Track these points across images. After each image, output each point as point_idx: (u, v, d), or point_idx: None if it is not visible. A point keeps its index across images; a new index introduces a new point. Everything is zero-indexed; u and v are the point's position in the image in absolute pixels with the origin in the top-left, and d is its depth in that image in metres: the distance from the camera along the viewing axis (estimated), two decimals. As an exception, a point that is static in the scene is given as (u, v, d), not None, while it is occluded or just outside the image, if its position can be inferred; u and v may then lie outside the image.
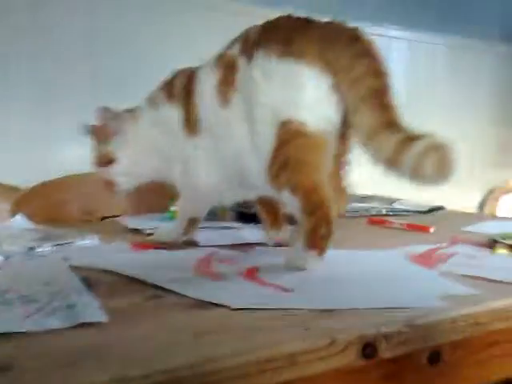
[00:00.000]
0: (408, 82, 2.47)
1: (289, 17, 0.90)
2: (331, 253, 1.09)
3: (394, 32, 2.40)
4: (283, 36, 0.85)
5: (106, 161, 1.07)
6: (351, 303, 0.76)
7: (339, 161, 0.89)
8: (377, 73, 0.81)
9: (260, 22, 0.92)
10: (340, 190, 0.91)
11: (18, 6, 1.57)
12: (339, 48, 0.82)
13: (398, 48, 2.43)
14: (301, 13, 0.91)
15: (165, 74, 1.08)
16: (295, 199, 0.84)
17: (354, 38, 0.82)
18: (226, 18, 1.90)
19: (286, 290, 0.81)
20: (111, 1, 1.73)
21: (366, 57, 0.81)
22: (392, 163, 0.78)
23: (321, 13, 0.89)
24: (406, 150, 0.76)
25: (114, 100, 1.10)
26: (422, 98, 2.51)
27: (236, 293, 0.81)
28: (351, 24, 0.87)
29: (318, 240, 0.86)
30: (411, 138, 0.77)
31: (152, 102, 1.07)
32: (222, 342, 0.62)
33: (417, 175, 0.77)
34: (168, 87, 1.05)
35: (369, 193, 1.99)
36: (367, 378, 0.69)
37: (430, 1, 2.50)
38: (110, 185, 1.09)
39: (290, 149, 0.83)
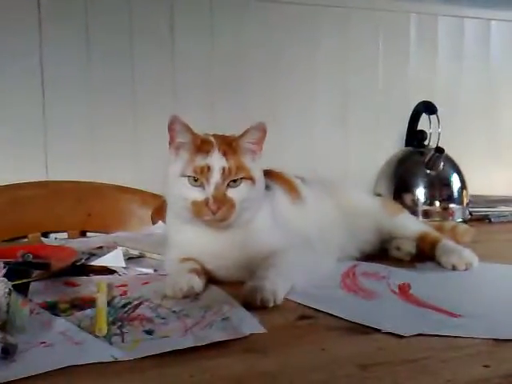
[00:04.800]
0: (485, 63, 2.11)
1: None
2: (489, 267, 1.00)
3: (467, 11, 2.06)
4: None
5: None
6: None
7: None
8: None
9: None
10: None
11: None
12: None
13: (473, 28, 2.07)
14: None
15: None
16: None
17: None
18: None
19: (453, 314, 0.74)
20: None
21: None
22: None
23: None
24: None
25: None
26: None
27: (396, 316, 0.75)
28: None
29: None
30: None
31: None
32: (394, 378, 0.57)
33: None
34: None
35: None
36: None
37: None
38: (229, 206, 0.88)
39: None
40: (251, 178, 0.90)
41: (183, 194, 0.89)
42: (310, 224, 1.01)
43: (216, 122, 1.65)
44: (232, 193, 0.89)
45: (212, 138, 0.92)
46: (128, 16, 1.59)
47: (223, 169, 0.88)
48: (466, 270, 0.99)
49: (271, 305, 0.78)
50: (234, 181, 0.89)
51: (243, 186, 0.90)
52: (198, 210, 0.88)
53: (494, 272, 0.98)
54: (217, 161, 0.88)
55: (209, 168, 0.88)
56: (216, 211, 0.87)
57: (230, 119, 1.65)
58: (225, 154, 0.89)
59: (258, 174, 0.93)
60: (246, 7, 1.73)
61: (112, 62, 1.58)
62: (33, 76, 1.51)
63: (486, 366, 0.59)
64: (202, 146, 0.90)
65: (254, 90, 1.74)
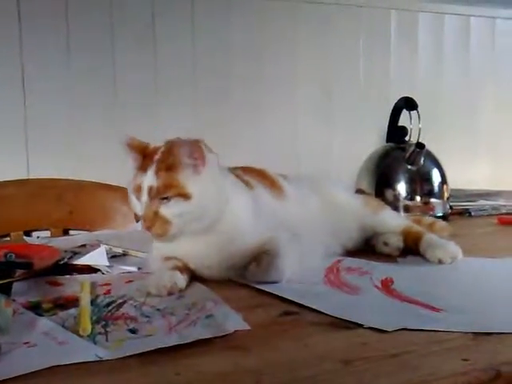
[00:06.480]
0: (465, 59, 2.14)
1: None
2: (470, 261, 1.02)
3: (447, 7, 2.08)
4: None
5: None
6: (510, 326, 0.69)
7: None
8: None
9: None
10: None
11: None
12: None
13: (452, 25, 2.09)
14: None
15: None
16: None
17: None
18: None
19: (434, 309, 0.76)
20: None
21: None
22: None
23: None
24: None
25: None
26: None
27: (379, 311, 0.76)
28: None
29: None
30: None
31: None
32: (376, 372, 0.58)
33: None
34: None
35: (493, 188, 1.87)
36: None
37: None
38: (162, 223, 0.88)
39: None
40: (184, 194, 0.88)
41: (133, 207, 0.93)
42: (293, 221, 1.01)
43: (199, 118, 1.66)
44: (164, 210, 0.88)
45: (159, 153, 0.89)
46: (109, 17, 1.58)
47: (150, 188, 0.88)
48: (451, 263, 1.00)
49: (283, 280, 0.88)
50: (166, 198, 0.88)
51: (174, 203, 0.88)
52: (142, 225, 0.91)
53: (474, 265, 1.00)
54: (147, 179, 0.88)
55: (140, 187, 0.89)
56: (148, 228, 0.88)
57: (213, 116, 1.67)
58: (157, 172, 0.88)
59: (199, 189, 0.89)
60: (228, 4, 1.73)
61: (94, 59, 1.57)
62: (13, 73, 1.49)
63: (465, 360, 0.60)
64: (144, 162, 0.90)
65: (237, 87, 1.74)
